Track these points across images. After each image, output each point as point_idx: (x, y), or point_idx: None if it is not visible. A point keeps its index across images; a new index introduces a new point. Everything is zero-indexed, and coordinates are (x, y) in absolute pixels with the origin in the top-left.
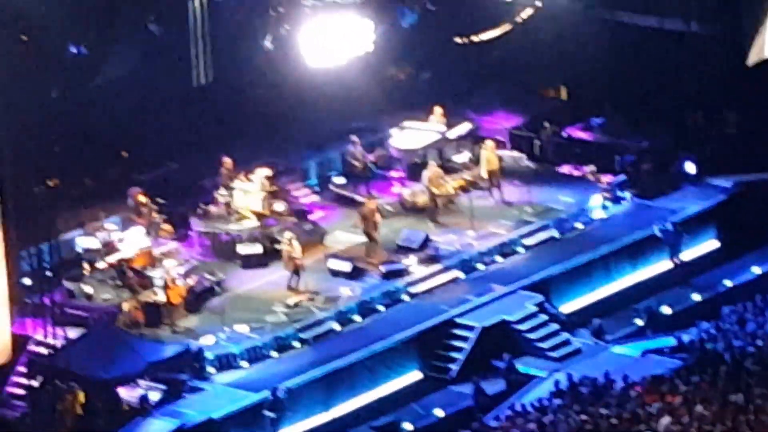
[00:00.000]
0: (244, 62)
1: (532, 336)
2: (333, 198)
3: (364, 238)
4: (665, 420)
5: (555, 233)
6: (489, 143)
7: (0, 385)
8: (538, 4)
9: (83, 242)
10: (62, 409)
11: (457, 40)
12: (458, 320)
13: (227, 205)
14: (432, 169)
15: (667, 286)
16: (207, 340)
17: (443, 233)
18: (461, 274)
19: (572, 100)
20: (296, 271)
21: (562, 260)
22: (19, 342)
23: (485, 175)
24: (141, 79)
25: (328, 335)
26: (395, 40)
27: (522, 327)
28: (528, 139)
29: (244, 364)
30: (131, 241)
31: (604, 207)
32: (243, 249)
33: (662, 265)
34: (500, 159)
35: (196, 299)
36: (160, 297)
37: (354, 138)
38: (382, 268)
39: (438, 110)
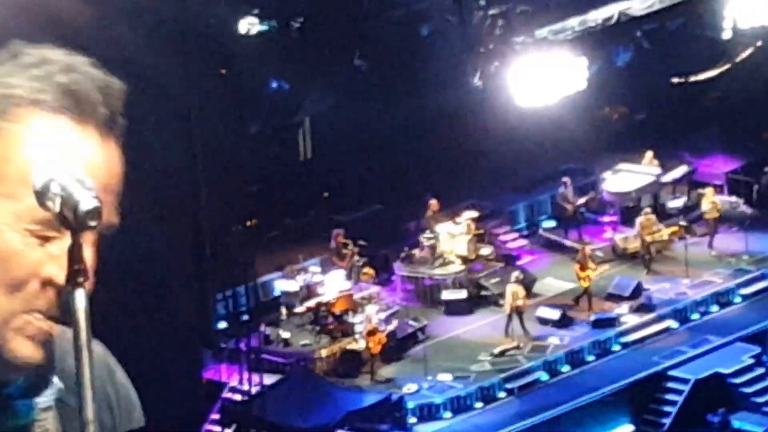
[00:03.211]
0: (452, 101)
1: (748, 390)
2: (542, 243)
3: (574, 285)
4: None
5: None
6: (709, 190)
7: None
8: (759, 43)
9: (282, 285)
10: None
11: (674, 79)
12: (671, 372)
13: (432, 248)
14: (645, 215)
15: None
16: (408, 389)
17: (656, 281)
18: (675, 324)
19: None
20: (510, 315)
21: None
22: (213, 388)
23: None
24: (344, 116)
25: (535, 386)
26: (609, 78)
27: (738, 380)
28: (747, 184)
29: (446, 414)
30: (331, 285)
31: None
32: (447, 294)
33: None
34: (719, 206)
35: (398, 346)
36: (360, 343)
37: (566, 180)
38: (592, 317)
39: (649, 154)
